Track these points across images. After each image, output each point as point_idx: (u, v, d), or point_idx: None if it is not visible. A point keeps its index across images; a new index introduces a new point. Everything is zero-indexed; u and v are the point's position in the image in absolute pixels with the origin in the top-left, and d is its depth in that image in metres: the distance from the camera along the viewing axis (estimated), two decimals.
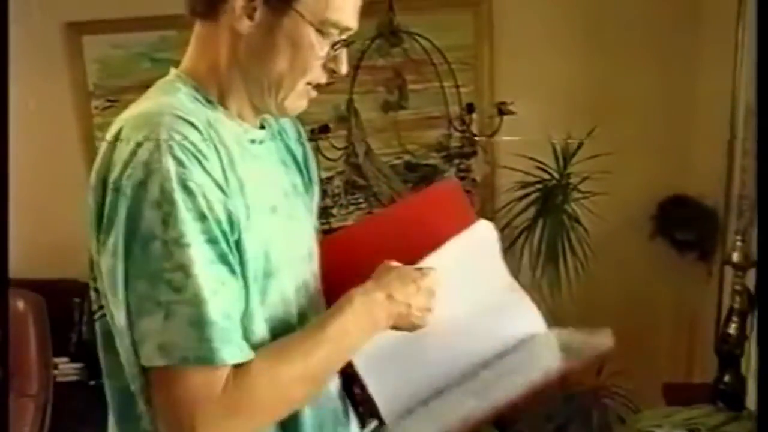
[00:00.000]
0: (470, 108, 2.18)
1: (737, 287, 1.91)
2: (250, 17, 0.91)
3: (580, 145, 2.15)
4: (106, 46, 2.47)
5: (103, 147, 0.88)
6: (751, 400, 1.83)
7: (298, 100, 0.96)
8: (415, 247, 1.06)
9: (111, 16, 2.40)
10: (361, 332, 0.96)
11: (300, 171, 1.11)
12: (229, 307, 0.84)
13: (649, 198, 2.37)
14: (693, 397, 1.98)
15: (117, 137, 0.87)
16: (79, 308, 2.40)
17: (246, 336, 0.88)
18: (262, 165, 0.98)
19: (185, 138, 0.84)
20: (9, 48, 1.01)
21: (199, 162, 0.84)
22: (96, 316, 0.94)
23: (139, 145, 0.84)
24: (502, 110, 1.95)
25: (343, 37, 0.95)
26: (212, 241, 0.83)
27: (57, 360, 2.28)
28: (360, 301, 0.96)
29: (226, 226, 0.85)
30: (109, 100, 2.52)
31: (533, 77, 2.35)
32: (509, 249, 2.17)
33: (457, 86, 2.11)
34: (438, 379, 1.06)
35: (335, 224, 2.28)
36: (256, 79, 0.94)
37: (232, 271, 0.86)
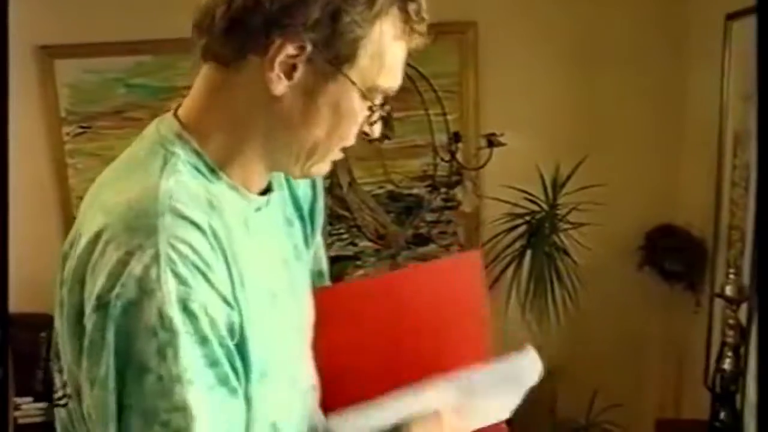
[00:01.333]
0: (457, 137, 2.13)
1: (730, 321, 1.88)
2: (289, 76, 0.75)
3: (569, 176, 2.12)
4: (79, 70, 2.39)
5: (80, 241, 0.73)
6: None
7: (326, 164, 0.83)
8: (419, 317, 1.03)
9: (84, 40, 2.32)
10: None
11: (303, 220, 0.97)
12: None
13: (637, 228, 2.34)
14: None
15: (99, 235, 0.71)
16: (46, 343, 2.29)
17: None
18: (263, 237, 0.85)
19: (190, 247, 0.70)
20: (9, 50, 0.91)
21: (204, 276, 0.71)
22: (60, 401, 0.82)
23: (130, 254, 0.69)
24: (491, 141, 1.90)
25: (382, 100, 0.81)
26: (214, 364, 0.71)
27: (19, 400, 2.16)
28: None
29: (228, 340, 0.73)
30: (81, 127, 2.42)
31: (519, 106, 2.33)
32: (495, 282, 2.13)
33: (444, 114, 2.06)
34: None
35: None
36: (284, 146, 0.80)
37: (233, 391, 0.73)
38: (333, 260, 2.52)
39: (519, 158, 2.15)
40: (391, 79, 0.80)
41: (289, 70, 0.76)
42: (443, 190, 2.35)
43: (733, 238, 2.10)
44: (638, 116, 2.29)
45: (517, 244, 2.18)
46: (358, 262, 2.42)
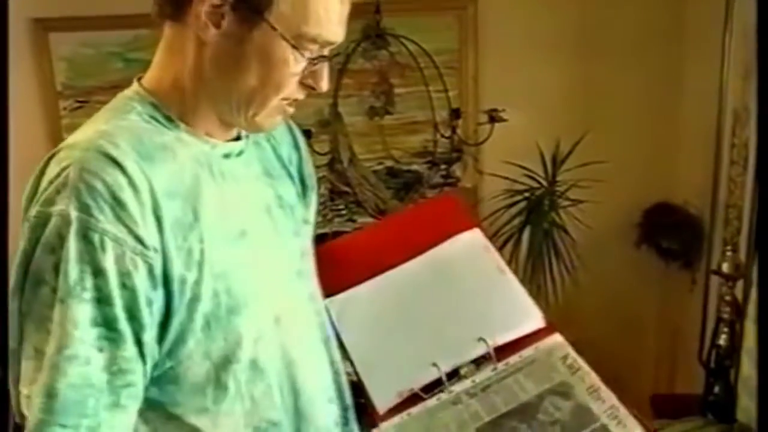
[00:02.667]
0: (457, 113, 2.13)
1: (727, 298, 1.90)
2: (217, 25, 0.81)
3: (569, 153, 2.12)
4: (75, 44, 2.36)
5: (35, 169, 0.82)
6: (741, 412, 1.82)
7: (271, 116, 0.88)
8: (413, 249, 1.11)
9: (80, 13, 2.28)
10: None
11: (291, 179, 1.03)
12: (95, 378, 0.76)
13: (634, 206, 2.35)
14: (681, 409, 1.96)
15: (47, 163, 0.81)
16: None
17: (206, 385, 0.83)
18: (237, 181, 0.90)
19: (102, 181, 0.76)
20: (8, 48, 0.93)
21: (113, 211, 0.76)
22: None
23: (51, 182, 0.78)
24: (493, 117, 1.90)
25: (325, 52, 0.85)
26: (102, 300, 0.76)
27: None
28: None
29: (137, 281, 0.77)
30: (78, 101, 2.40)
31: (519, 82, 2.32)
32: None
33: (445, 90, 2.05)
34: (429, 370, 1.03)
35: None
36: (223, 94, 0.85)
37: (116, 339, 0.77)
38: (333, 236, 2.53)
39: (519, 135, 2.15)
40: (321, 28, 0.82)
41: (218, 19, 0.81)
42: (443, 166, 2.35)
43: (730, 216, 2.11)
44: (638, 94, 2.29)
45: (516, 221, 2.19)
46: None
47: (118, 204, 0.76)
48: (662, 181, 2.35)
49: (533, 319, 1.07)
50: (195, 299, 0.81)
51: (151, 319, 0.80)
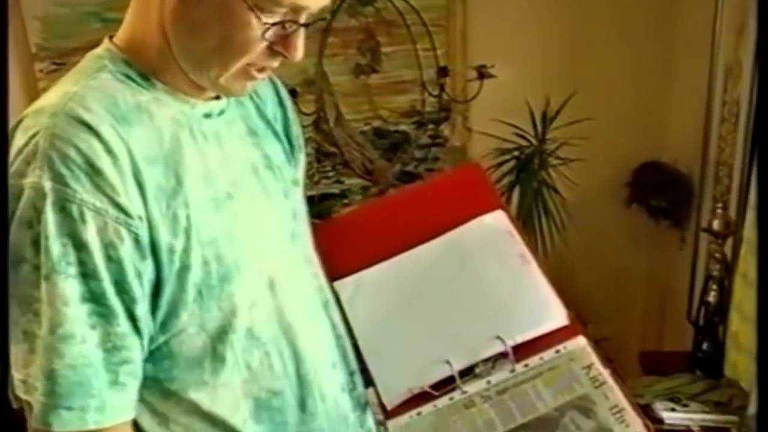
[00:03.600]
0: (444, 71, 2.09)
1: (717, 255, 1.90)
2: None
3: (559, 110, 2.09)
4: (49, 3, 2.27)
5: None
6: (729, 368, 1.83)
7: (237, 81, 0.82)
8: (429, 230, 1.01)
9: None
10: None
11: (278, 138, 0.98)
12: (93, 356, 0.73)
13: (624, 165, 2.34)
14: (669, 365, 1.97)
15: (12, 132, 0.75)
16: None
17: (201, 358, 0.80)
18: (220, 142, 0.86)
19: (75, 148, 0.71)
20: (8, 46, 0.88)
21: (89, 177, 0.71)
22: None
23: (19, 151, 0.73)
24: (482, 73, 1.86)
25: (300, 18, 0.78)
26: (88, 275, 0.72)
27: None
28: None
29: (123, 253, 0.74)
30: (55, 63, 2.32)
31: (508, 39, 2.26)
32: None
33: (433, 48, 2.01)
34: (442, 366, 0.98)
35: None
36: (185, 53, 0.80)
37: (108, 315, 0.74)
38: (319, 198, 2.50)
39: (508, 92, 2.11)
40: None
41: None
42: (431, 126, 2.31)
43: (720, 174, 2.11)
44: (628, 50, 2.25)
45: (506, 180, 2.16)
46: (345, 200, 2.40)
47: (95, 172, 0.72)
48: (652, 139, 2.33)
49: (556, 316, 0.99)
50: (185, 269, 0.78)
51: (141, 291, 0.76)
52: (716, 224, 1.89)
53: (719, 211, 1.90)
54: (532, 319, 0.98)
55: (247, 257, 0.84)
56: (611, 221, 2.36)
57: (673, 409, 1.64)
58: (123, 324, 0.75)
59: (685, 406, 1.67)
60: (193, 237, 0.78)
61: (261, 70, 0.82)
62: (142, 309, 0.77)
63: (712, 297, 1.88)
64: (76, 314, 0.72)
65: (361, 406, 1.00)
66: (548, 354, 0.95)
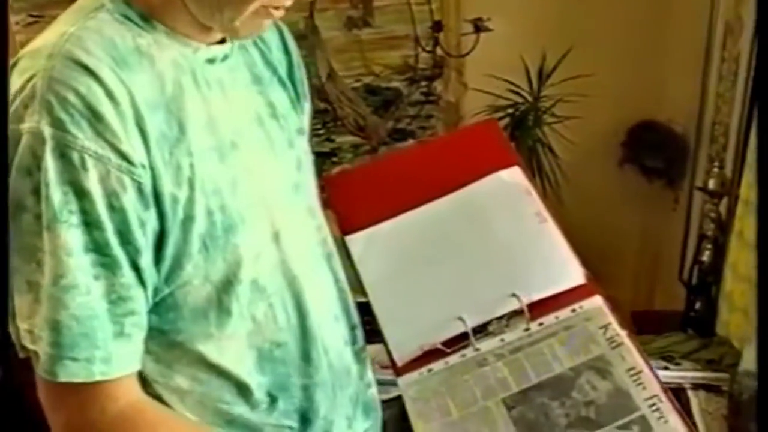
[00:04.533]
0: (438, 26, 2.04)
1: (711, 214, 1.89)
2: None
3: (556, 66, 2.05)
4: None
5: None
6: (720, 326, 1.83)
7: (252, 22, 0.79)
8: (442, 186, 0.99)
9: None
10: None
11: (284, 85, 0.94)
12: (98, 308, 0.71)
13: (619, 124, 2.30)
14: (661, 325, 1.98)
15: (9, 73, 0.72)
16: None
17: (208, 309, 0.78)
18: (224, 89, 0.82)
19: (74, 92, 0.68)
20: (8, 45, 0.83)
21: (90, 123, 0.69)
22: None
23: (16, 95, 0.70)
24: (478, 26, 1.81)
25: None
26: (91, 224, 0.70)
27: None
28: None
29: (126, 202, 0.71)
30: (32, 15, 2.24)
31: None
32: None
33: (428, 2, 1.95)
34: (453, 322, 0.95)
35: None
36: None
37: (111, 266, 0.72)
38: None
39: (503, 48, 2.07)
40: None
41: None
42: (423, 83, 2.27)
43: (716, 134, 2.08)
44: (626, 5, 2.20)
45: None
46: (335, 159, 2.36)
47: (95, 117, 0.69)
48: (648, 98, 2.29)
49: (573, 274, 0.96)
50: (189, 219, 0.75)
51: (145, 241, 0.74)
52: (712, 183, 1.87)
53: (715, 170, 1.89)
54: (548, 278, 0.96)
55: (252, 208, 0.82)
56: (605, 181, 2.34)
57: (666, 368, 1.64)
58: (127, 275, 0.73)
59: (678, 364, 1.67)
60: (197, 187, 0.76)
61: (277, 8, 0.79)
62: (146, 260, 0.75)
63: (706, 256, 1.88)
64: (80, 264, 0.70)
65: (362, 360, 0.99)
66: (564, 313, 0.93)
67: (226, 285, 0.80)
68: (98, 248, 0.71)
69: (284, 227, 0.86)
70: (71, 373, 0.71)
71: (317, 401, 0.89)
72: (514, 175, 1.05)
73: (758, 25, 1.11)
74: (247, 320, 0.82)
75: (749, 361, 1.61)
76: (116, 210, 0.71)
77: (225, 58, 0.84)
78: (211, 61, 0.82)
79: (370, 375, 1.01)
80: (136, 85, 0.73)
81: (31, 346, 0.72)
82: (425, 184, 1.03)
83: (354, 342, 0.97)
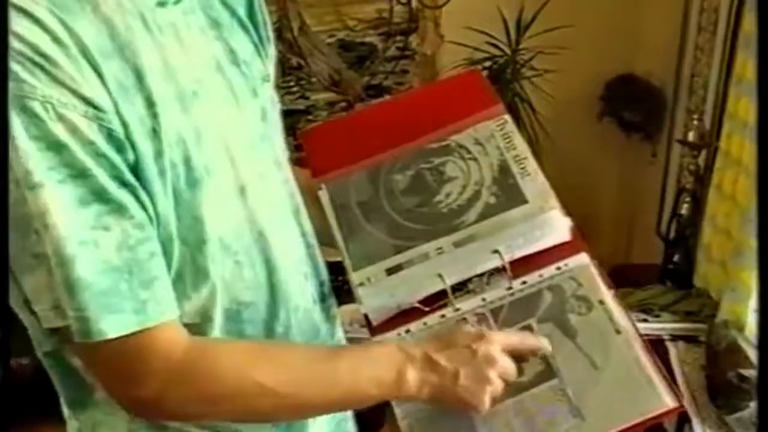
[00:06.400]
0: None
1: (691, 167, 1.88)
2: None
3: (534, 18, 2.00)
4: None
5: None
6: (698, 278, 1.84)
7: None
8: (425, 129, 0.94)
9: None
10: (376, 388, 0.76)
11: (245, 28, 0.86)
12: (115, 259, 0.66)
13: (597, 77, 2.28)
14: (639, 278, 1.98)
15: None
16: None
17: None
18: (178, 35, 0.75)
19: (15, 36, 0.61)
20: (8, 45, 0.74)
21: (43, 69, 0.62)
22: None
23: None
24: None
25: None
26: (78, 175, 0.64)
27: None
28: (389, 351, 0.78)
29: (105, 148, 0.65)
30: None
31: None
32: None
33: None
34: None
35: None
36: None
37: (118, 210, 0.66)
38: (283, 115, 2.39)
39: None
40: None
41: None
42: (399, 37, 2.21)
43: (695, 86, 2.06)
44: None
45: None
46: (310, 117, 2.30)
47: (47, 61, 0.62)
48: (626, 51, 2.26)
49: (558, 230, 0.90)
50: (162, 173, 0.70)
51: (137, 182, 0.68)
52: (691, 135, 1.86)
53: (694, 122, 1.87)
54: (533, 232, 0.89)
55: (217, 161, 0.76)
56: (583, 135, 2.32)
57: (645, 320, 1.65)
58: (137, 214, 0.67)
59: (657, 316, 1.68)
60: (163, 138, 0.70)
61: None
62: (145, 195, 0.69)
63: (685, 210, 1.88)
64: (80, 219, 0.64)
65: (331, 318, 0.95)
66: (548, 271, 0.87)
67: (199, 244, 0.75)
68: (97, 197, 0.65)
69: (251, 181, 0.80)
70: (107, 329, 0.66)
71: None
72: (500, 124, 0.98)
73: (758, 26, 1.08)
74: (218, 280, 0.77)
75: (726, 311, 1.63)
76: (100, 155, 0.65)
77: (177, 1, 0.76)
78: (161, 3, 0.74)
79: (340, 333, 0.98)
80: (82, 31, 0.65)
81: (61, 323, 0.67)
82: (405, 133, 0.98)
83: (323, 299, 0.93)
